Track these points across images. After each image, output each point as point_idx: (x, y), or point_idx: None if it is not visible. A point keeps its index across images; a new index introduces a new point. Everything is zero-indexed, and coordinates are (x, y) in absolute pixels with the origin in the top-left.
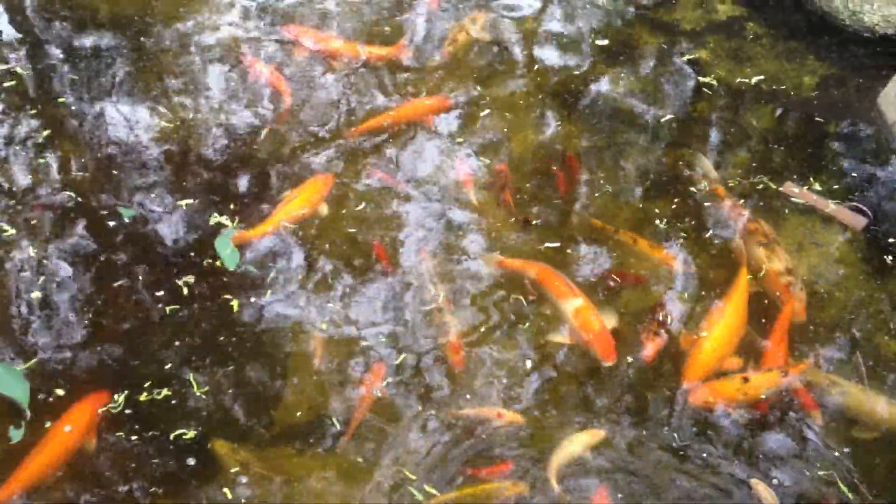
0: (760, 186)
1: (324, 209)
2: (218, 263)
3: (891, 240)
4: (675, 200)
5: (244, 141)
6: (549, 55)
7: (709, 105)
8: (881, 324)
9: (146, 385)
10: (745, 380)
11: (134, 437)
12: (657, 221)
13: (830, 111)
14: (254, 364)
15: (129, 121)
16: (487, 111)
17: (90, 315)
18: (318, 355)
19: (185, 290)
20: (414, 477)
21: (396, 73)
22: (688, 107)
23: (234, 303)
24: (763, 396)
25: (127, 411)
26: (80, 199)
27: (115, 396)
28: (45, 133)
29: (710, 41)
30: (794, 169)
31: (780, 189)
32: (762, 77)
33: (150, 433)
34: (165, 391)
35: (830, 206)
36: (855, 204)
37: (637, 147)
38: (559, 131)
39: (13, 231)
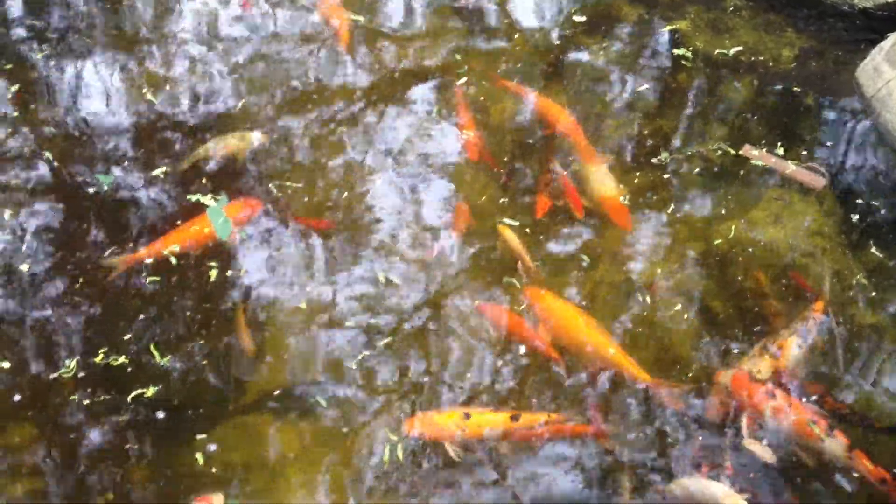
0: (719, 153)
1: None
2: (206, 231)
3: (859, 201)
4: (647, 173)
5: (225, 104)
6: (528, 25)
7: (687, 76)
8: (857, 295)
9: (110, 352)
10: (467, 416)
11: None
12: (622, 197)
13: (809, 83)
14: (228, 335)
15: (104, 84)
16: (465, 79)
17: (61, 286)
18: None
19: (173, 260)
20: (395, 437)
21: (376, 41)
22: (666, 77)
23: (213, 272)
24: (487, 434)
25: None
26: (55, 164)
27: (67, 363)
28: (14, 88)
29: (689, 12)
30: (770, 140)
31: (739, 152)
32: (741, 48)
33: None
34: (122, 359)
35: (790, 168)
36: (812, 164)
37: (615, 118)
38: (537, 102)
39: None
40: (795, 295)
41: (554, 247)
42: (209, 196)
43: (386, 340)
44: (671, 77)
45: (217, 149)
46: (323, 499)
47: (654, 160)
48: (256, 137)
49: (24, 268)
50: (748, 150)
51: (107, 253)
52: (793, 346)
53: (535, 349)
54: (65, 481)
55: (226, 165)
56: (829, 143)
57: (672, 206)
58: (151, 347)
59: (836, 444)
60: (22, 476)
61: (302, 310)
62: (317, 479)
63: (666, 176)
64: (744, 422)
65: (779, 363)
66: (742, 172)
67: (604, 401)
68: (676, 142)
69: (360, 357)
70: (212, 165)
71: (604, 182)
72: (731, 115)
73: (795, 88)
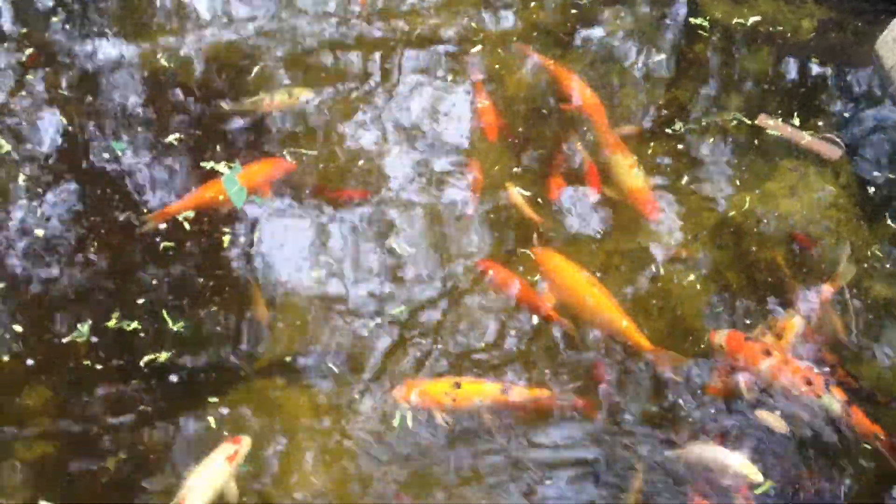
0: (735, 123)
1: None
2: (221, 198)
3: (875, 172)
4: (662, 143)
5: (237, 73)
6: None
7: (704, 46)
8: (871, 268)
9: (123, 317)
10: (458, 385)
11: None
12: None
13: (828, 55)
14: (241, 301)
15: (118, 50)
16: (479, 47)
17: (74, 251)
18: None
19: (187, 226)
20: (406, 404)
21: (392, 8)
22: (683, 47)
23: (226, 238)
24: (477, 405)
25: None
26: (69, 130)
27: (80, 327)
28: (28, 52)
29: None
30: (787, 110)
31: (755, 122)
32: (759, 19)
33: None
34: (135, 324)
35: (806, 138)
36: (828, 135)
37: (631, 87)
38: (558, 75)
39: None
40: (808, 267)
41: (566, 219)
42: (223, 163)
43: (398, 308)
44: (688, 47)
45: (266, 103)
46: (332, 464)
47: (669, 130)
48: (304, 94)
49: (39, 232)
50: (764, 120)
51: (121, 217)
52: (797, 325)
53: (537, 309)
54: (77, 443)
55: (240, 132)
56: (846, 114)
57: (686, 176)
58: (164, 313)
59: (833, 400)
60: (35, 438)
61: (315, 277)
62: (327, 444)
63: (681, 146)
64: (741, 382)
65: (782, 342)
66: (757, 143)
67: (606, 367)
68: (692, 112)
69: (371, 324)
70: (225, 132)
71: (629, 172)
72: (748, 85)
73: (814, 59)
